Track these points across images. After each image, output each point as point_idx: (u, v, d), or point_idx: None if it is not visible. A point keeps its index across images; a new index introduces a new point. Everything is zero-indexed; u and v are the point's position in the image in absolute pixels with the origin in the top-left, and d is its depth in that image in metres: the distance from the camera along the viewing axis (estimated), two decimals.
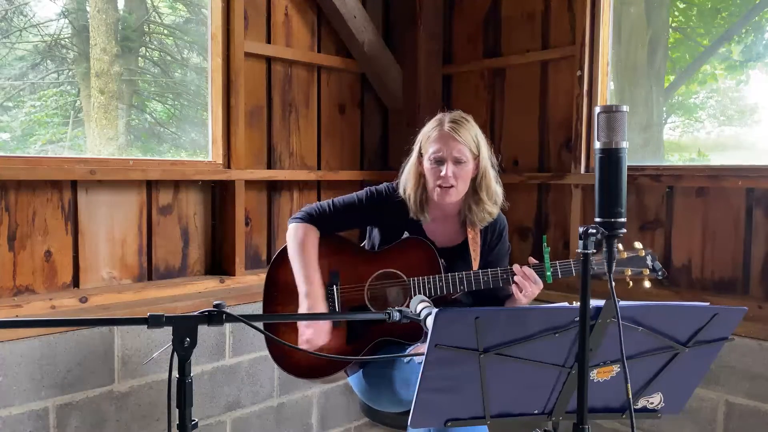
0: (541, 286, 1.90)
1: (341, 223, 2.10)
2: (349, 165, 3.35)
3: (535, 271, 1.88)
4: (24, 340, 2.14)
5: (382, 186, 2.11)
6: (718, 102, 3.75)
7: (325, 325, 1.95)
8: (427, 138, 1.99)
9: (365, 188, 2.12)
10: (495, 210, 2.04)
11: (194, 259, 2.83)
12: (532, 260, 1.92)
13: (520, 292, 1.87)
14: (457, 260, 2.04)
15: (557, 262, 1.91)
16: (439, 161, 1.94)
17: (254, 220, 2.99)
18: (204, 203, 2.85)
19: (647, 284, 1.82)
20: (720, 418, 2.40)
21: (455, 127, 1.94)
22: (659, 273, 1.88)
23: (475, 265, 2.02)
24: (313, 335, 1.93)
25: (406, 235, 2.05)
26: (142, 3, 3.90)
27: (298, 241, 2.02)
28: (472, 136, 1.96)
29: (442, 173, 1.92)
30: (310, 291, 1.95)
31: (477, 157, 1.98)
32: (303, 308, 1.94)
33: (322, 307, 1.95)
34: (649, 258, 1.89)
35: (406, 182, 2.05)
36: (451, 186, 1.93)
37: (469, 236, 2.04)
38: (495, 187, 2.03)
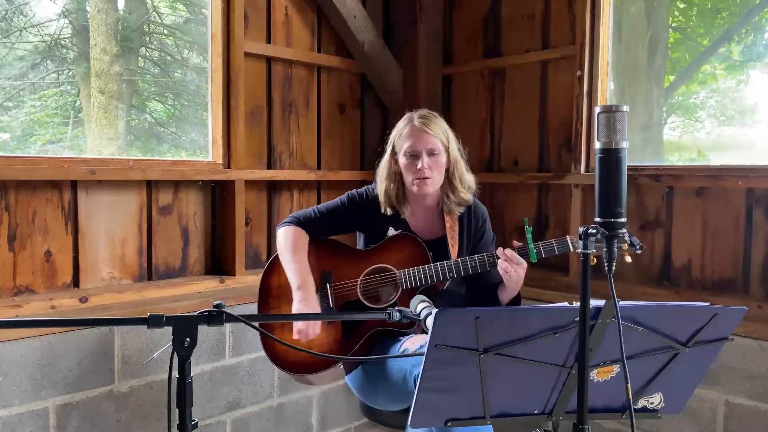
0: (525, 266, 1.94)
1: (327, 227, 2.17)
2: (349, 165, 3.35)
3: (519, 252, 1.93)
4: (24, 340, 2.14)
5: (363, 189, 2.20)
6: (718, 102, 3.74)
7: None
8: (399, 135, 2.08)
9: (347, 192, 2.19)
10: (468, 196, 2.12)
11: (194, 259, 2.83)
12: (516, 243, 1.97)
13: (507, 275, 1.93)
14: (441, 251, 2.09)
15: (540, 242, 1.96)
16: (414, 155, 2.02)
17: (254, 220, 2.99)
18: (204, 203, 2.85)
19: (628, 259, 1.83)
20: (720, 418, 2.40)
21: (425, 122, 2.04)
22: (637, 247, 1.90)
23: (454, 252, 2.08)
24: (304, 325, 1.99)
25: (391, 231, 2.12)
26: (142, 3, 3.90)
27: (288, 240, 2.10)
28: (442, 129, 2.07)
29: (419, 166, 2.00)
30: (302, 283, 2.01)
31: (448, 149, 2.07)
32: (296, 300, 2.00)
33: (314, 297, 2.01)
34: (626, 234, 1.90)
35: (381, 181, 2.13)
36: (428, 177, 2.02)
37: (447, 225, 2.11)
38: (467, 176, 2.13)
